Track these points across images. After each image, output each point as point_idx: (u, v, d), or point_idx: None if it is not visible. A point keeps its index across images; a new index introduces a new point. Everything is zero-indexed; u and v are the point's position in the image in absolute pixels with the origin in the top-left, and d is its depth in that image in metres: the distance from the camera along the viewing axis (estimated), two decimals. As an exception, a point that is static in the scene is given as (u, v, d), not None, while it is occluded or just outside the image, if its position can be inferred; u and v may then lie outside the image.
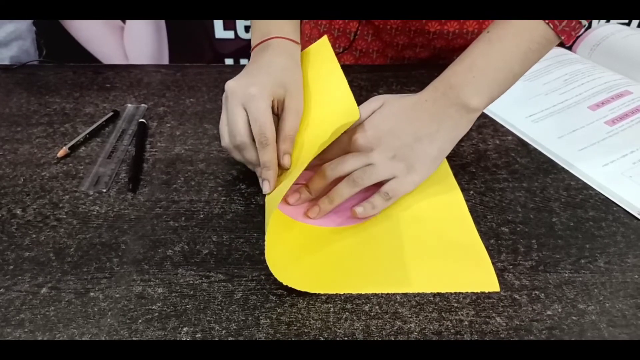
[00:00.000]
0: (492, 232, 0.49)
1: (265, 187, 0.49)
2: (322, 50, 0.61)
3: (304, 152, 0.51)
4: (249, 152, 0.50)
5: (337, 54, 0.78)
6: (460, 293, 0.43)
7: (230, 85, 0.51)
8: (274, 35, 0.56)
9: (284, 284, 0.41)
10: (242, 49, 1.62)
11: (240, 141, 0.49)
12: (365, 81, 0.75)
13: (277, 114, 0.52)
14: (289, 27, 0.58)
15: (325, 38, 0.62)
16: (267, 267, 0.42)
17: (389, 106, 0.53)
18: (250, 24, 0.61)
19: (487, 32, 0.52)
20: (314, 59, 0.60)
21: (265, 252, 0.41)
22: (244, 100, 0.49)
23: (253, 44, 0.58)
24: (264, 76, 0.51)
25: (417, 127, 0.51)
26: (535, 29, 0.50)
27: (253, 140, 0.49)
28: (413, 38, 0.80)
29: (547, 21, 0.49)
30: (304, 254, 0.46)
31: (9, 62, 1.03)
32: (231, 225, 0.49)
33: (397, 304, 0.42)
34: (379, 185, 0.51)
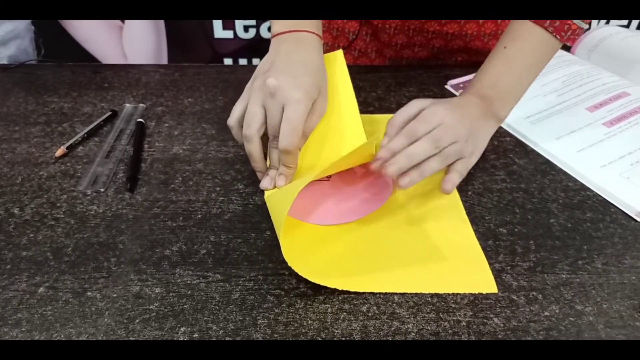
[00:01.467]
0: (490, 233, 0.49)
1: (265, 183, 0.52)
2: (336, 63, 0.62)
3: (306, 162, 0.54)
4: (254, 145, 0.52)
5: None
6: (457, 294, 0.43)
7: (273, 84, 0.50)
8: (305, 29, 0.56)
9: (299, 273, 0.42)
10: (241, 48, 1.62)
11: (253, 132, 0.51)
12: (363, 82, 0.75)
13: None
14: (317, 22, 0.59)
15: (340, 52, 0.63)
16: (264, 268, 0.42)
17: (434, 107, 0.53)
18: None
19: (505, 48, 0.56)
20: (328, 69, 0.60)
21: (282, 244, 0.42)
22: (286, 101, 0.50)
23: (278, 30, 0.57)
24: (306, 77, 0.52)
25: (469, 121, 0.53)
26: (547, 43, 0.56)
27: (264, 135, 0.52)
28: (412, 37, 0.80)
29: (554, 33, 0.55)
30: (306, 250, 0.46)
31: (7, 61, 1.03)
32: (229, 226, 0.49)
33: (394, 305, 0.42)
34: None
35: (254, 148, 0.51)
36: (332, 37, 0.85)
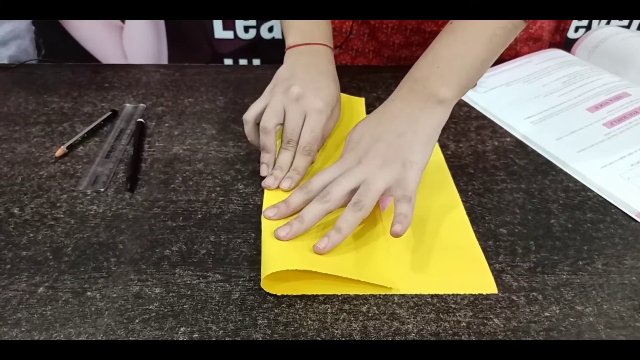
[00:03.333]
0: (490, 233, 0.49)
1: (268, 182, 0.52)
2: (356, 107, 0.68)
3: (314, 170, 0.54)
4: (271, 137, 0.53)
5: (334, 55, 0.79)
6: (458, 294, 0.42)
7: (297, 90, 0.54)
8: (319, 42, 0.60)
9: (280, 294, 0.42)
10: (241, 49, 1.62)
11: (272, 125, 0.53)
12: (364, 82, 0.75)
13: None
14: (328, 33, 0.63)
15: (362, 100, 0.70)
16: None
17: (361, 123, 0.52)
18: (281, 22, 0.65)
19: (451, 24, 0.51)
20: (346, 110, 0.64)
21: (262, 276, 0.42)
22: (309, 109, 0.53)
23: (293, 42, 0.61)
24: (326, 89, 0.56)
25: (396, 124, 0.49)
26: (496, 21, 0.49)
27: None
28: (409, 37, 0.80)
29: None
30: (302, 253, 0.46)
31: (8, 61, 1.03)
32: (229, 226, 0.49)
33: (394, 305, 0.41)
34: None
35: (269, 140, 0.53)
36: None
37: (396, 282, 0.43)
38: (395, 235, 0.43)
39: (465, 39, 0.50)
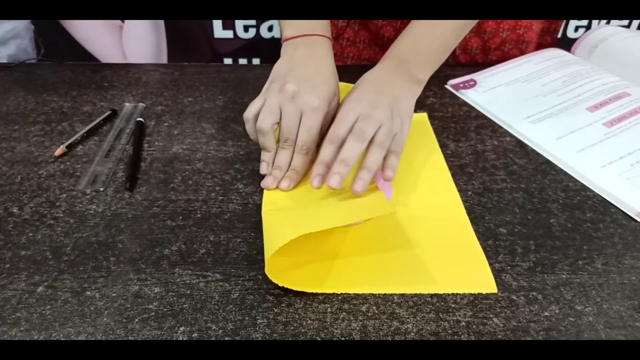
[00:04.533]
0: (490, 232, 0.49)
1: (267, 182, 0.52)
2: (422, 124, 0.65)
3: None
4: (269, 138, 0.53)
5: None
6: (457, 294, 0.42)
7: (292, 88, 0.52)
8: (317, 32, 0.58)
9: (281, 285, 0.41)
10: (241, 48, 1.62)
11: (269, 125, 0.52)
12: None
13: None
14: (326, 23, 0.60)
15: (425, 115, 0.68)
16: (264, 267, 0.42)
17: (355, 89, 0.56)
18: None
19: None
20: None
21: (266, 261, 0.41)
22: (305, 107, 0.52)
23: (289, 34, 0.59)
24: (323, 85, 0.54)
25: (391, 90, 0.55)
26: None
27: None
28: (399, 30, 0.79)
29: None
30: (301, 253, 0.46)
31: (7, 61, 1.03)
32: (228, 225, 0.49)
33: (394, 305, 0.41)
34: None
35: (268, 141, 0.53)
36: None
37: (393, 207, 0.47)
38: (388, 178, 0.51)
39: (443, 30, 0.58)
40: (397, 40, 0.60)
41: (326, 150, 0.50)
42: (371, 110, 0.51)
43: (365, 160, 0.49)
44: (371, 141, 0.50)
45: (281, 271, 0.42)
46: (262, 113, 0.52)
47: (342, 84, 0.62)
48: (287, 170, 0.52)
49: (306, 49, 0.57)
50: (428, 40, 0.59)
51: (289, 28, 0.59)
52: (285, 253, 0.42)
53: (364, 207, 0.47)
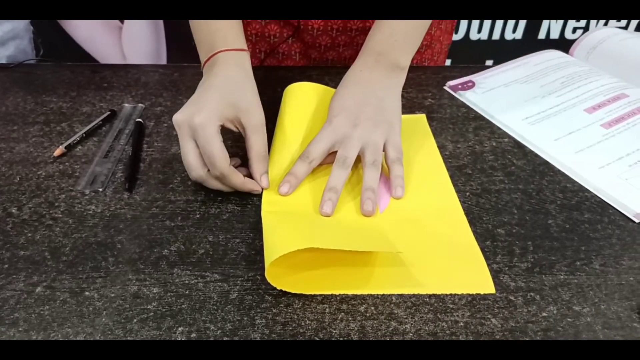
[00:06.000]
0: (488, 233, 0.49)
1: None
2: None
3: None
4: (213, 181, 0.50)
5: (260, 60, 0.81)
6: (455, 294, 0.43)
7: (176, 118, 0.49)
8: (220, 49, 0.55)
9: (279, 288, 0.41)
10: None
11: (198, 175, 0.50)
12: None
13: (243, 135, 0.53)
14: (232, 35, 0.56)
15: (423, 116, 0.67)
16: (262, 268, 0.42)
17: (339, 91, 0.56)
18: (195, 42, 0.59)
19: None
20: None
21: (266, 267, 0.41)
22: (191, 132, 0.49)
23: (202, 61, 0.57)
24: (210, 101, 0.50)
25: (373, 90, 0.55)
26: None
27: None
28: (335, 38, 0.77)
29: None
30: (301, 258, 0.46)
31: (6, 61, 1.03)
32: (227, 226, 0.49)
33: (392, 305, 0.42)
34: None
35: (237, 179, 0.50)
36: (251, 43, 0.81)
37: (397, 247, 0.46)
38: (398, 197, 0.51)
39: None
40: (370, 34, 0.60)
41: (296, 166, 0.52)
42: (351, 129, 0.53)
43: (364, 183, 0.51)
44: (364, 162, 0.52)
45: (281, 276, 0.42)
46: (189, 166, 0.50)
47: (322, 87, 0.62)
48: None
49: (207, 71, 0.55)
50: (405, 25, 0.58)
51: (200, 56, 0.57)
52: (285, 258, 0.42)
53: (370, 239, 0.47)
